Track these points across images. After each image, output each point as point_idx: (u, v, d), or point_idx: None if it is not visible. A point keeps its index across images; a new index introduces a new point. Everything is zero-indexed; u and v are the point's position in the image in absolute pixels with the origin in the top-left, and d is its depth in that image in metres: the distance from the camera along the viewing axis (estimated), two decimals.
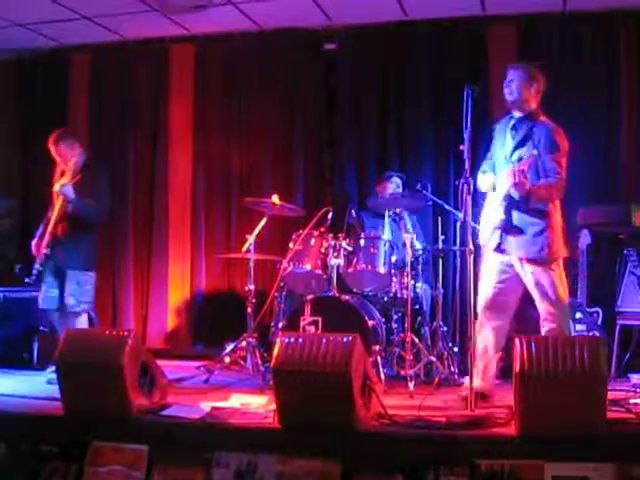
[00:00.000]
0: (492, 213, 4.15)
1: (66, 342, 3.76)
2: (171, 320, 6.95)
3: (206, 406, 3.87)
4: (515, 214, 4.06)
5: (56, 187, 5.20)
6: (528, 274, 4.06)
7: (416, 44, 6.44)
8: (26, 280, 5.33)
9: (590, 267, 5.35)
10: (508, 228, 4.05)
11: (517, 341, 3.20)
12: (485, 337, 4.18)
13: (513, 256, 4.08)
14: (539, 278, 4.04)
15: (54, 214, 5.24)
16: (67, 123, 7.18)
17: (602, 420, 3.10)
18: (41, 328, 5.91)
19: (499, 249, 4.12)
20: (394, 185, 5.88)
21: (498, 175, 4.22)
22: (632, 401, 3.84)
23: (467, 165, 3.93)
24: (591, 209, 5.54)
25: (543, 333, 4.05)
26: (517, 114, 4.18)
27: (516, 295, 4.19)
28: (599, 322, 5.26)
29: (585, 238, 5.36)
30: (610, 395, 3.24)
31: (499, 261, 4.17)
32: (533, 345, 3.14)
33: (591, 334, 5.14)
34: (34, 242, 5.33)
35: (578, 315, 5.25)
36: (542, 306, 4.07)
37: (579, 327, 5.23)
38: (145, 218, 7.01)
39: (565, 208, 5.99)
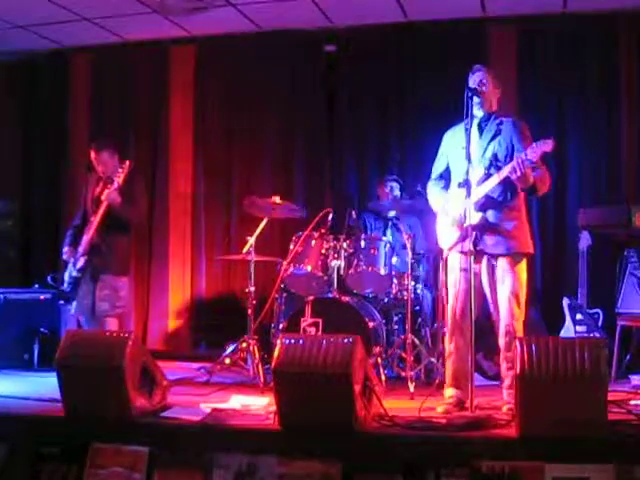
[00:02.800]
0: (460, 215, 4.12)
1: (67, 344, 3.75)
2: (171, 321, 6.96)
3: (206, 407, 3.86)
4: (491, 212, 4.06)
5: (103, 197, 5.22)
6: (500, 270, 4.06)
7: (416, 46, 6.45)
8: (61, 289, 5.43)
9: (590, 268, 5.35)
10: (486, 227, 4.04)
11: (518, 343, 3.19)
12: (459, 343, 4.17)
13: (482, 256, 4.04)
14: (510, 274, 4.04)
15: (96, 221, 5.27)
16: (67, 125, 7.21)
17: (603, 421, 3.10)
18: (41, 330, 5.92)
19: (472, 250, 3.99)
20: (389, 189, 5.88)
21: (458, 177, 4.17)
22: (632, 402, 3.84)
23: (467, 167, 3.92)
24: (592, 210, 5.54)
25: (504, 332, 4.02)
26: (480, 113, 4.14)
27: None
28: (599, 323, 5.26)
29: (585, 239, 5.36)
30: (610, 396, 3.24)
31: (465, 263, 4.12)
32: (534, 346, 3.14)
33: (591, 335, 5.13)
34: (65, 249, 5.44)
35: (579, 316, 5.25)
36: (506, 302, 4.03)
37: (580, 328, 5.23)
38: (145, 219, 7.00)
39: (566, 209, 6.06)
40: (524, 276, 4.10)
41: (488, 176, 4.05)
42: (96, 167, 5.46)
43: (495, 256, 4.07)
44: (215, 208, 6.94)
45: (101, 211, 5.24)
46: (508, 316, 4.03)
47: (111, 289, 5.29)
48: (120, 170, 5.23)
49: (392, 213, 5.67)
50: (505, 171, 3.95)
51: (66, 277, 5.38)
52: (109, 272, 5.31)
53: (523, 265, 4.11)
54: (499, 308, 4.08)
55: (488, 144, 4.12)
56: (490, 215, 4.06)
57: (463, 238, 4.06)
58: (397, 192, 5.88)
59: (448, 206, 4.25)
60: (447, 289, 4.29)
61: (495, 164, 4.09)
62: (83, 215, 5.54)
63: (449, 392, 4.12)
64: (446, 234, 4.27)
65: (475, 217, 3.99)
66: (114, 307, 5.30)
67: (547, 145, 3.87)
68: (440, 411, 3.92)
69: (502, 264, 4.07)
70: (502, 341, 4.06)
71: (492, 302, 4.13)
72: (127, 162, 5.27)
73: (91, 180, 5.57)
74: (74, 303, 5.35)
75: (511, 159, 4.05)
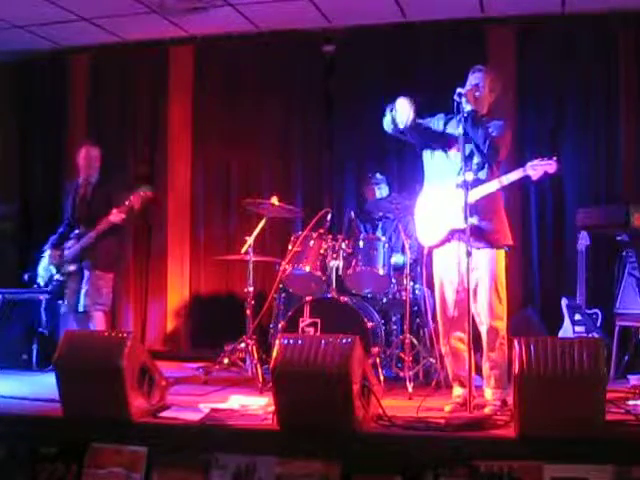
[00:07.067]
0: (446, 211, 4.08)
1: (65, 344, 3.75)
2: (170, 322, 6.96)
3: (205, 408, 3.86)
4: (477, 216, 4.03)
5: (112, 217, 5.39)
6: (489, 264, 4.02)
7: (415, 46, 6.45)
8: (47, 290, 5.62)
9: (589, 269, 5.35)
10: (474, 229, 3.99)
11: (516, 343, 3.20)
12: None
13: (462, 250, 3.94)
14: (488, 270, 4.02)
15: (94, 234, 5.43)
16: (66, 125, 7.21)
17: (601, 421, 3.10)
18: (40, 330, 5.92)
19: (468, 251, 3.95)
20: (376, 187, 5.84)
21: (432, 176, 4.23)
22: (631, 402, 3.84)
23: (463, 167, 3.92)
24: (590, 210, 5.54)
25: (486, 330, 4.01)
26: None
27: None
28: (598, 323, 5.26)
29: (584, 239, 5.36)
30: (609, 396, 3.24)
31: (449, 260, 4.12)
32: (532, 347, 3.14)
33: (590, 335, 5.14)
34: (49, 252, 5.57)
35: (577, 317, 5.24)
36: (485, 299, 4.00)
37: (578, 328, 5.23)
38: (144, 219, 7.01)
39: (564, 209, 6.06)
40: (502, 272, 4.06)
41: (480, 180, 4.04)
42: (81, 164, 5.61)
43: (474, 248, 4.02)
44: (214, 208, 6.94)
45: (103, 227, 5.40)
46: (489, 314, 4.01)
47: (93, 286, 5.42)
48: (135, 197, 5.38)
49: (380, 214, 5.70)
50: (509, 179, 4.00)
51: (42, 273, 5.49)
52: (94, 269, 5.45)
53: (501, 260, 4.07)
54: (479, 305, 4.05)
55: (476, 148, 4.09)
56: (476, 219, 4.03)
57: (448, 239, 4.07)
58: (384, 183, 5.87)
59: (430, 204, 4.22)
60: (433, 285, 4.27)
61: (487, 168, 4.09)
62: (69, 221, 5.66)
63: (457, 391, 4.12)
64: (427, 231, 4.24)
65: (468, 220, 3.96)
66: (95, 303, 5.42)
67: (550, 166, 3.96)
68: (447, 410, 3.92)
69: (481, 257, 4.03)
70: (484, 339, 4.06)
71: (473, 296, 4.03)
72: (149, 193, 5.45)
73: (73, 185, 5.74)
74: (64, 304, 5.54)
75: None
